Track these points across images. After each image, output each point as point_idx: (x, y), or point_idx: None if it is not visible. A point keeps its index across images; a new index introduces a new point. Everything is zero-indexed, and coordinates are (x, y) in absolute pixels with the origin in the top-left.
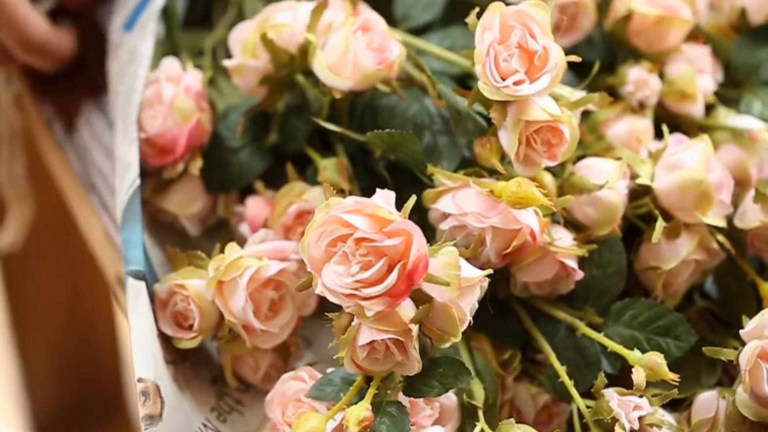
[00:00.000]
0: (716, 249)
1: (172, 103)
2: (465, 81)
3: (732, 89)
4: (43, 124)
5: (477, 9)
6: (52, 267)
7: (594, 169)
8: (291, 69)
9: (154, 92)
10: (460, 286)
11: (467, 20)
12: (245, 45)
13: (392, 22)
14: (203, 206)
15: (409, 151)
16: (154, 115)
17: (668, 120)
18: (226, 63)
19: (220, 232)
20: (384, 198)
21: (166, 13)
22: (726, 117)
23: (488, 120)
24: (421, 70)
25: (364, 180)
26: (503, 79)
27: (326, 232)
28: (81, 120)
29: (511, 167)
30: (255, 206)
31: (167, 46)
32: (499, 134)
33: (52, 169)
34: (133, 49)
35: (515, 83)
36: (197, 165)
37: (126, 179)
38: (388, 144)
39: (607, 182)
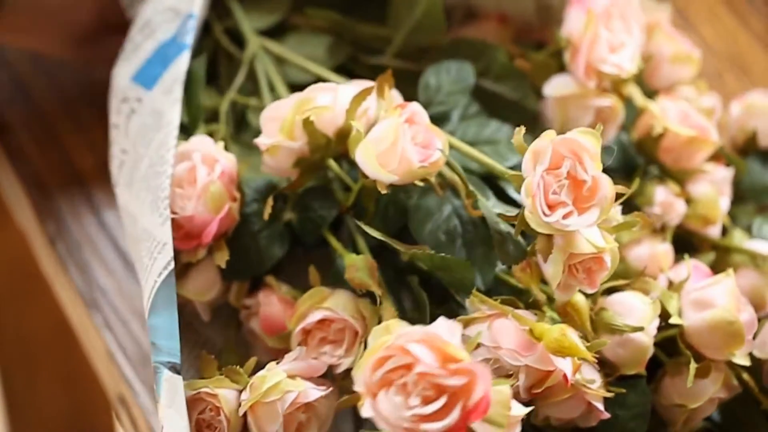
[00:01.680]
0: (736, 384)
1: (207, 189)
2: (490, 179)
3: (738, 207)
4: (46, 241)
5: (523, 128)
6: (52, 380)
7: (627, 307)
8: (325, 153)
9: (185, 170)
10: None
11: (513, 141)
12: (283, 125)
13: None
14: (219, 292)
15: (459, 276)
16: (184, 195)
17: (682, 236)
18: (260, 142)
19: (222, 312)
20: (449, 329)
21: (188, 76)
22: (742, 240)
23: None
24: (462, 180)
25: (384, 274)
26: (551, 210)
27: (389, 359)
28: (84, 239)
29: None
30: (268, 304)
31: (185, 112)
32: (540, 261)
33: (53, 287)
34: (159, 112)
35: (564, 216)
36: (224, 256)
37: (159, 260)
38: (437, 266)
39: (642, 327)
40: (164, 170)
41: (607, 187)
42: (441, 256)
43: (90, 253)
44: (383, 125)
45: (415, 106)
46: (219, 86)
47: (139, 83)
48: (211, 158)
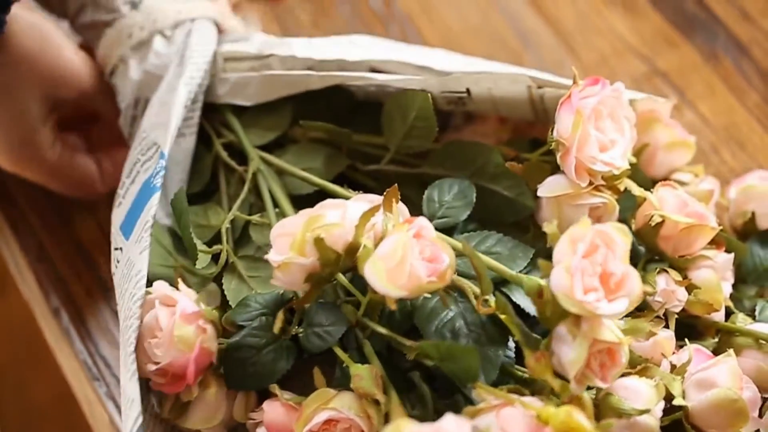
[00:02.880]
0: None
1: (172, 333)
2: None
3: (741, 289)
4: (49, 312)
5: (555, 222)
6: None
7: (632, 391)
8: (335, 268)
9: (153, 319)
10: None
11: (546, 230)
12: (293, 242)
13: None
14: (226, 413)
15: (465, 365)
16: (158, 344)
17: (686, 320)
18: (272, 259)
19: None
20: (458, 426)
21: (175, 208)
22: (745, 322)
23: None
24: (479, 275)
25: (390, 376)
26: (585, 294)
27: None
28: (88, 310)
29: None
30: (272, 412)
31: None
32: (559, 349)
33: (56, 357)
34: (131, 262)
35: (596, 300)
36: (212, 392)
37: (130, 416)
38: (444, 355)
39: (648, 409)
40: (132, 323)
41: (635, 281)
42: (447, 345)
43: (93, 324)
44: (391, 241)
45: (422, 221)
46: (218, 198)
47: (122, 232)
48: (169, 301)
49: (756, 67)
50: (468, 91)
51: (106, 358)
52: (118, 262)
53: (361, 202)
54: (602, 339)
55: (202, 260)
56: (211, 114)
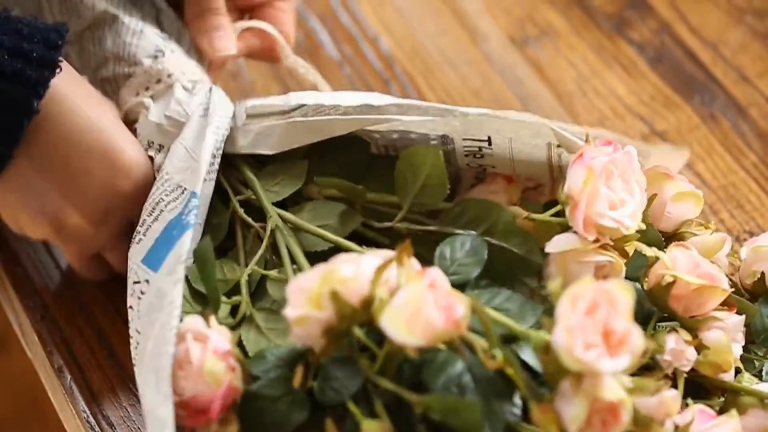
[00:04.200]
0: None
1: (202, 366)
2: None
3: (750, 350)
4: (53, 372)
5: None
6: None
7: None
8: (351, 321)
9: (182, 351)
10: None
11: (549, 287)
12: (310, 296)
13: None
14: None
15: (468, 419)
16: (185, 376)
17: (693, 378)
18: (289, 314)
19: None
20: None
21: (201, 257)
22: (751, 382)
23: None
24: (487, 329)
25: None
26: (586, 350)
27: None
28: (91, 370)
29: None
30: None
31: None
32: (562, 405)
33: (60, 417)
34: (162, 293)
35: (597, 357)
36: (234, 429)
37: None
38: (447, 410)
39: None
40: (166, 350)
41: (637, 338)
42: (450, 399)
43: (97, 384)
44: (406, 291)
45: (435, 272)
46: (234, 254)
47: (148, 265)
48: (202, 336)
49: (754, 128)
50: (489, 140)
51: (110, 417)
52: (142, 293)
53: (374, 257)
54: (603, 397)
55: (223, 310)
56: (228, 170)
